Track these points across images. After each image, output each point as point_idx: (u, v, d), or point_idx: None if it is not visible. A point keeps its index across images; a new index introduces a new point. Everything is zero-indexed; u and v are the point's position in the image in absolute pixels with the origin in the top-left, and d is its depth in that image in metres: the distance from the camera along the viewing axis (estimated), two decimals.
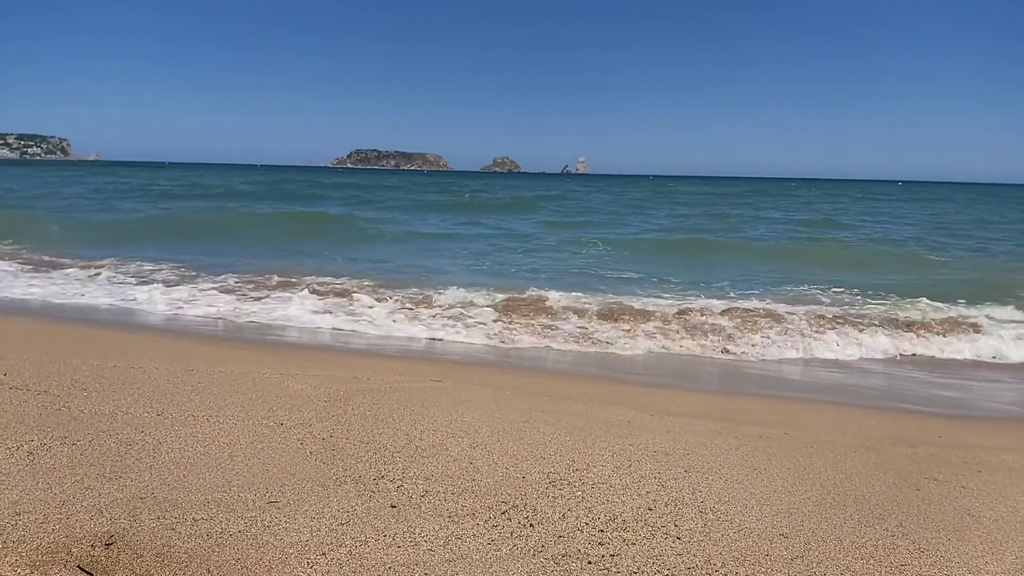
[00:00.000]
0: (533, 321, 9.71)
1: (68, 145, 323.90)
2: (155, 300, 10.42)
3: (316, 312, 9.87)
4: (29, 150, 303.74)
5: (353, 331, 9.09)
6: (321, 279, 12.53)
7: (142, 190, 41.11)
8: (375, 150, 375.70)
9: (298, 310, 9.91)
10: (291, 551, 2.73)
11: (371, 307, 10.25)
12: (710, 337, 9.17)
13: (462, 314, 9.91)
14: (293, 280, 12.31)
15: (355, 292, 11.27)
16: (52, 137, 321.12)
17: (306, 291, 11.16)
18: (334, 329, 9.13)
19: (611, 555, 2.87)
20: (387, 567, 2.67)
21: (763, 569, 2.84)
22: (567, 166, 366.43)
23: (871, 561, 2.97)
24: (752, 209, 40.00)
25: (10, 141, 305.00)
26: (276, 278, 12.44)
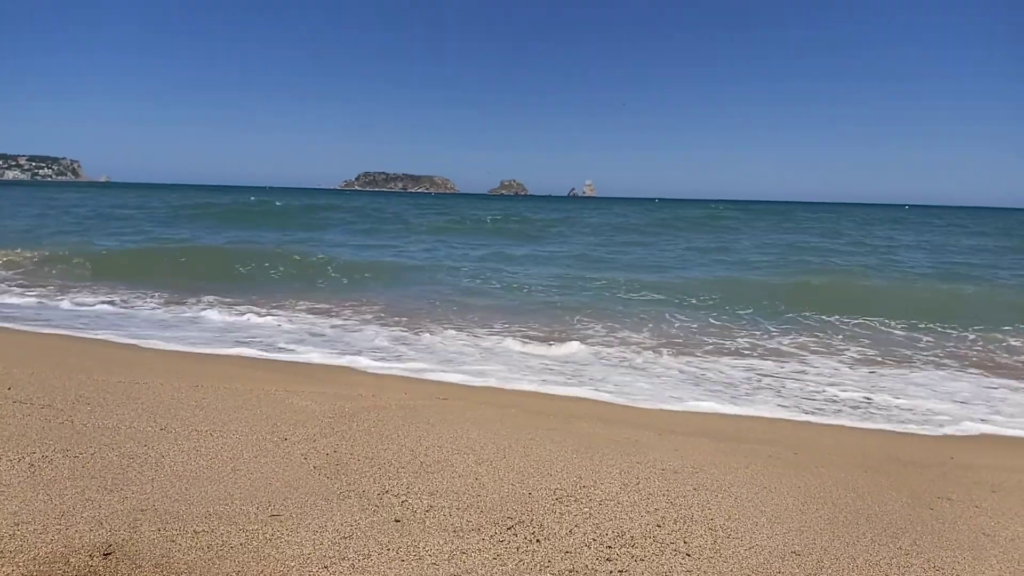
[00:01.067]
0: None
1: (79, 167, 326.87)
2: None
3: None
4: (40, 171, 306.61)
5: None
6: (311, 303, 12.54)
7: (142, 212, 40.83)
8: (383, 173, 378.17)
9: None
10: (293, 564, 2.68)
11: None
12: None
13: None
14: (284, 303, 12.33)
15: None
16: (63, 159, 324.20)
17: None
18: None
19: (619, 571, 2.81)
20: None
21: None
22: (573, 189, 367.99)
23: None
24: (819, 235, 35.75)
25: (21, 162, 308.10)
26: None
